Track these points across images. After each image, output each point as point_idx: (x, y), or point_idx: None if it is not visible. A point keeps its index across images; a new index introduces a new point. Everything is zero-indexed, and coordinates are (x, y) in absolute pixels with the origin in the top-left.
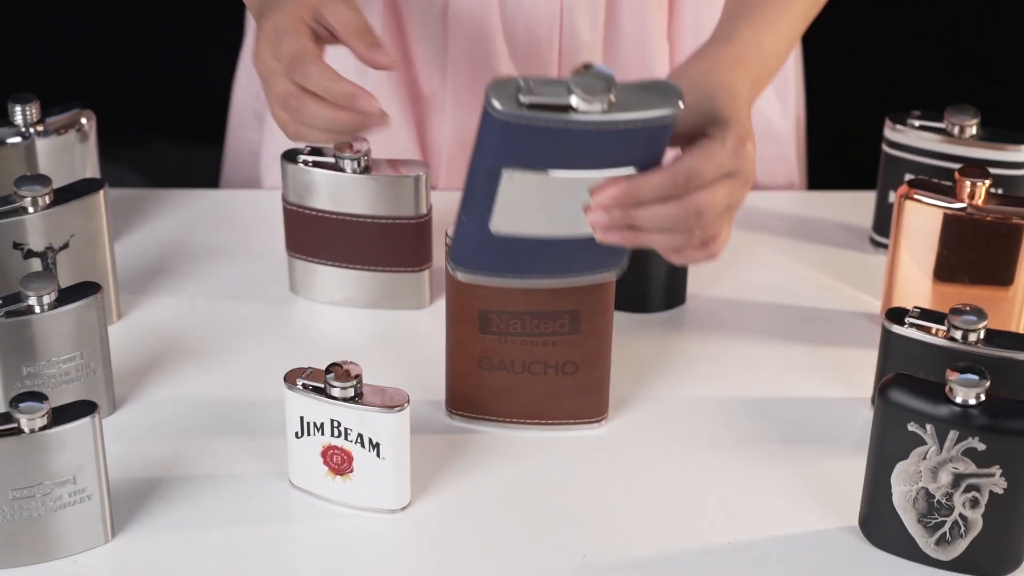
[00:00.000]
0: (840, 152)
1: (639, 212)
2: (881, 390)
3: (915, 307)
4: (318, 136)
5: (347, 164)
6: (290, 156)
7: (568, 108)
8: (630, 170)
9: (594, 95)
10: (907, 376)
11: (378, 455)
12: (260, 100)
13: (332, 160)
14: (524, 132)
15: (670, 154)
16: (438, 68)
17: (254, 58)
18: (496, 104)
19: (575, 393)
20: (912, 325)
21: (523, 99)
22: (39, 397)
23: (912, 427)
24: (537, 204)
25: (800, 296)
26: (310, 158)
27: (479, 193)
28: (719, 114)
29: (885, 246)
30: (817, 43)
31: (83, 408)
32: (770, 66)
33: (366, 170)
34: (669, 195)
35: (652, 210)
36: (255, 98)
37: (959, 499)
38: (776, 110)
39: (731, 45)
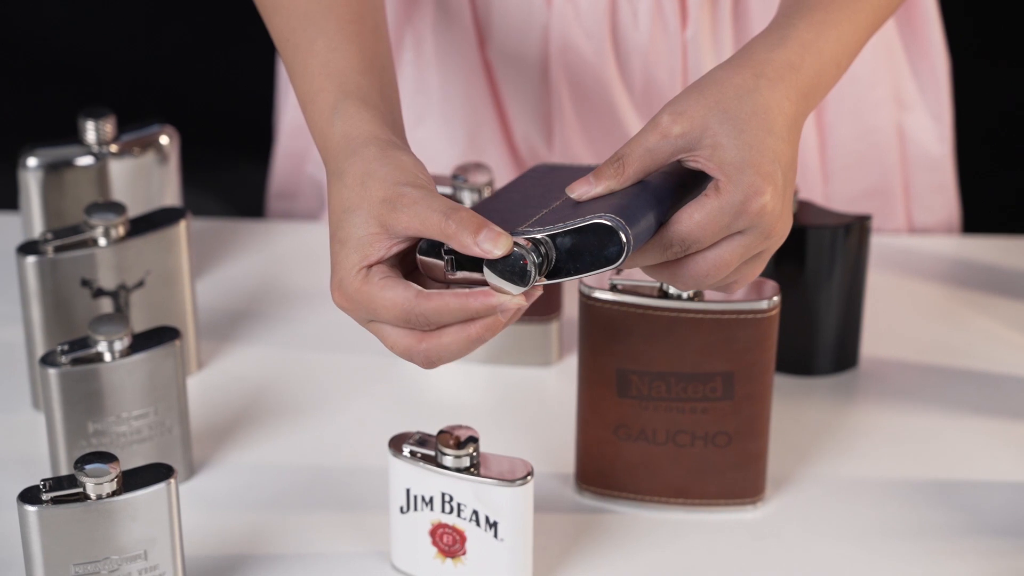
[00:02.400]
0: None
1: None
2: None
3: None
4: (459, 358)
5: (466, 197)
6: None
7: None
8: None
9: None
10: None
11: (495, 535)
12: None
13: (449, 192)
14: None
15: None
16: (538, 127)
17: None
18: None
19: (727, 469)
20: None
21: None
22: (108, 458)
23: None
24: None
25: (994, 360)
26: None
27: None
28: (738, 156)
29: None
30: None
31: (157, 472)
32: (827, 75)
33: None
34: (662, 263)
35: (649, 272)
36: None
37: None
38: (931, 131)
39: (783, 48)
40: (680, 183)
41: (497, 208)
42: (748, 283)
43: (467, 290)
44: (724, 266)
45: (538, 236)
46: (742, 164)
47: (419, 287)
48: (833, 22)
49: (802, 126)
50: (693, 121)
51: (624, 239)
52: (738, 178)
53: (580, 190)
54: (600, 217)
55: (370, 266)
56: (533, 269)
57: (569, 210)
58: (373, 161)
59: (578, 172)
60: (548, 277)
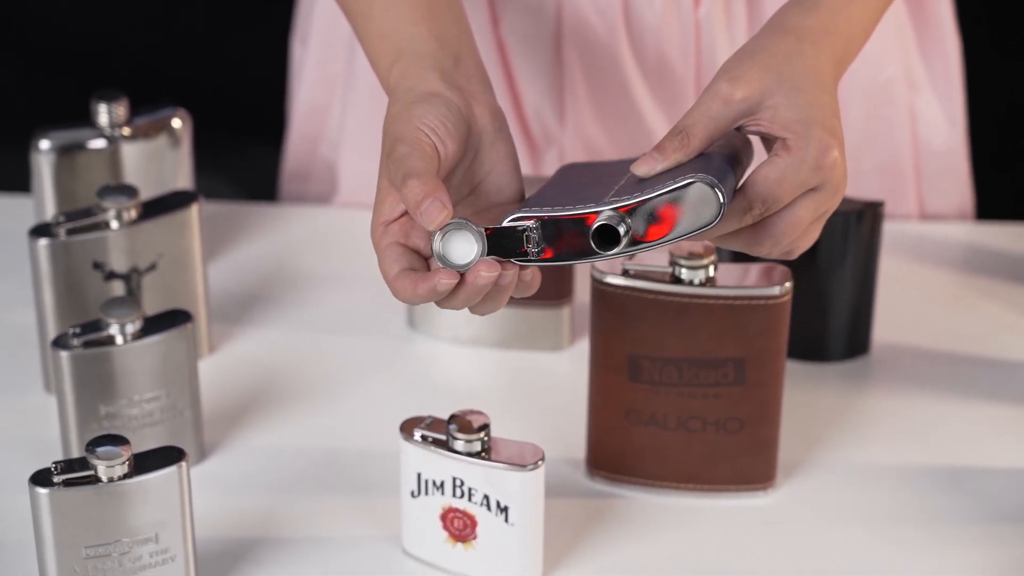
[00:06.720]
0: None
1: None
2: None
3: None
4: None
5: None
6: None
7: None
8: None
9: None
10: None
11: (506, 520)
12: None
13: None
14: None
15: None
16: (551, 105)
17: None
18: None
19: (738, 455)
20: None
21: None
22: (119, 441)
23: None
24: None
25: (1006, 347)
26: None
27: None
28: (801, 115)
29: None
30: None
31: (169, 455)
32: (856, 42)
33: None
34: (738, 229)
35: (725, 240)
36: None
37: None
38: (939, 113)
39: (816, 14)
40: (734, 153)
41: (562, 191)
42: (807, 247)
43: (428, 273)
44: (799, 225)
45: (628, 202)
46: (807, 121)
47: (402, 268)
48: None
49: (837, 90)
50: (752, 85)
51: (720, 197)
52: (807, 134)
53: (646, 166)
54: (693, 177)
55: (387, 224)
56: (615, 238)
57: (635, 186)
58: (389, 117)
59: (612, 166)
60: (637, 244)
